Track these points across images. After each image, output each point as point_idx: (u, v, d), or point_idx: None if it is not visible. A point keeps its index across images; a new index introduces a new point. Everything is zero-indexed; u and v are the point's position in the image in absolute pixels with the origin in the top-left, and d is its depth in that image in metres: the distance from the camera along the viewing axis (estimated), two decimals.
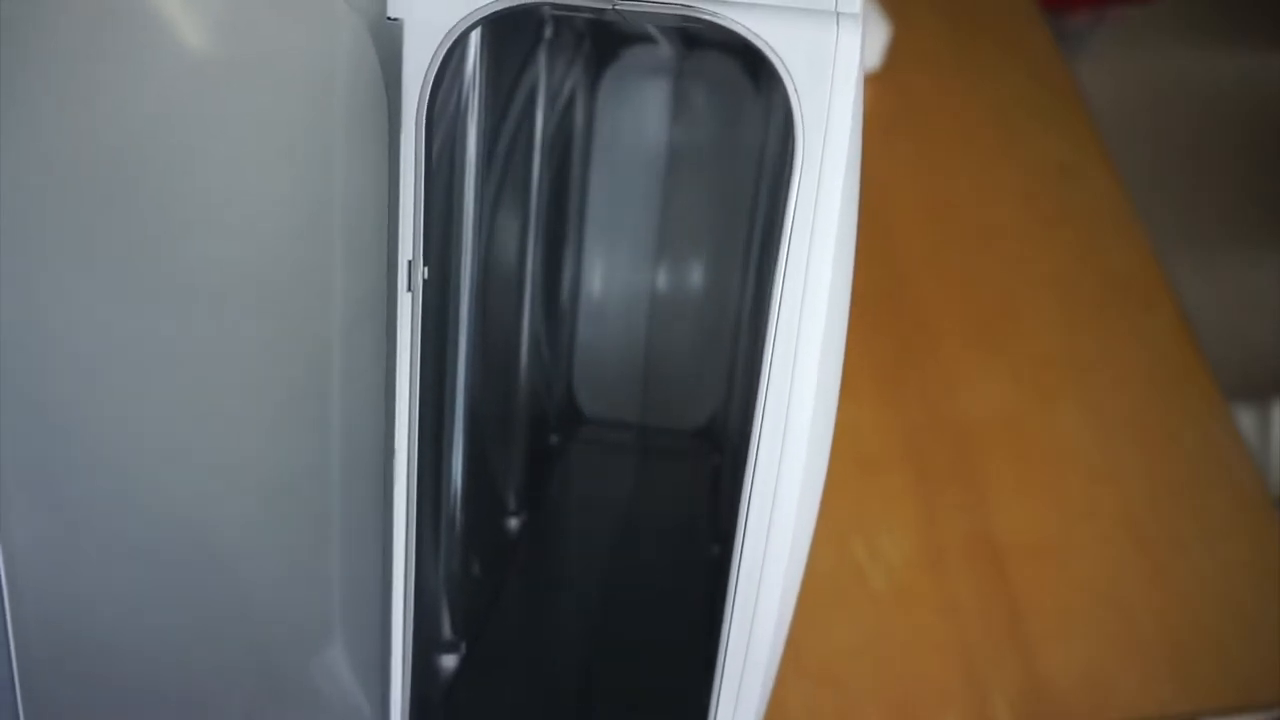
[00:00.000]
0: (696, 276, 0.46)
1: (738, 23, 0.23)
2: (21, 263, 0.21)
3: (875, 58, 0.67)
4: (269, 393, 0.27)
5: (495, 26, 0.31)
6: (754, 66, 0.43)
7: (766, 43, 0.23)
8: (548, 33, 0.38)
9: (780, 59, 0.23)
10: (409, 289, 0.26)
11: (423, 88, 0.25)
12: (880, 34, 0.67)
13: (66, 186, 0.21)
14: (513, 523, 0.41)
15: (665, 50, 0.44)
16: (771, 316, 0.25)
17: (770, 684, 0.28)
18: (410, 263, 0.26)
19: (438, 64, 0.25)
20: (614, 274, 0.47)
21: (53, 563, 0.23)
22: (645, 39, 0.43)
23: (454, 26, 0.24)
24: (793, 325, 0.25)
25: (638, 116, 0.45)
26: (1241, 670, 0.48)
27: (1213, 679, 0.48)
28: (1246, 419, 0.95)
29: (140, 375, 0.24)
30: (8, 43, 0.20)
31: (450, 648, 0.34)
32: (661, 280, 0.47)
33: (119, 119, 0.22)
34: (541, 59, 0.38)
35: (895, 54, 0.68)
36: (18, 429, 0.21)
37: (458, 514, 0.34)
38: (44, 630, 0.23)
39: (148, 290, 0.23)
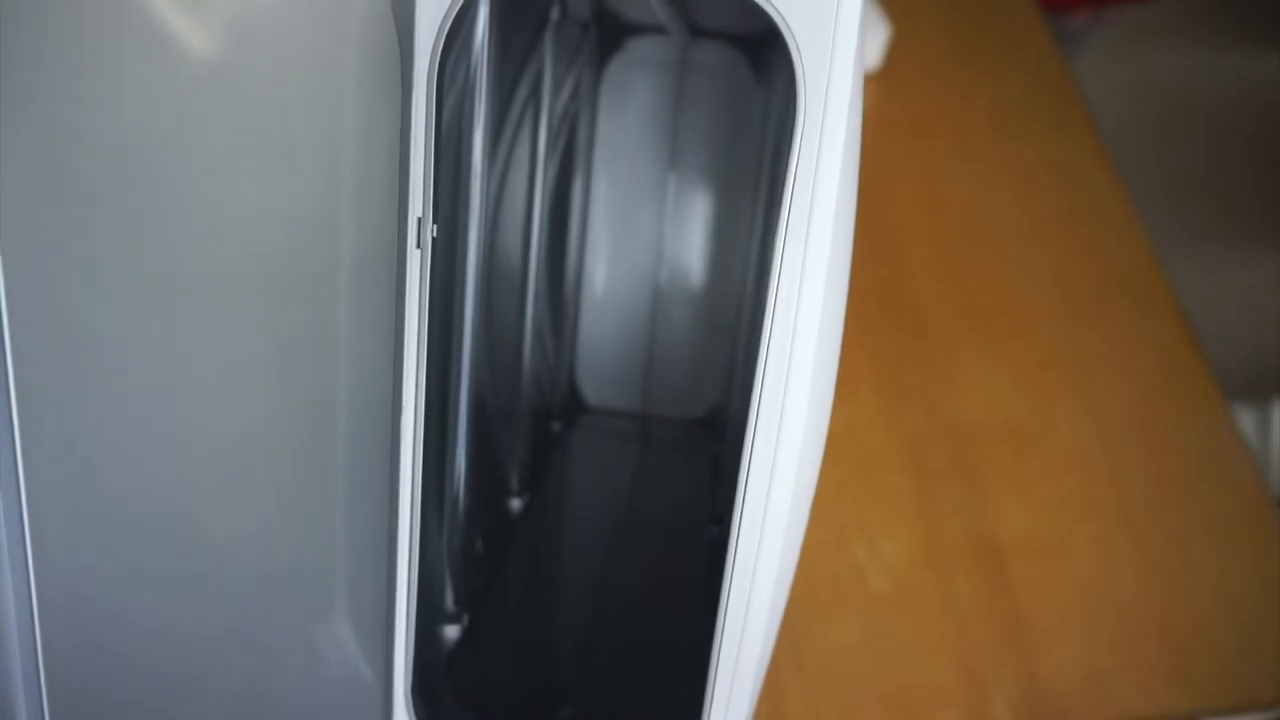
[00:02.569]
0: (700, 267, 0.47)
1: None
2: (34, 249, 0.21)
3: (875, 58, 0.67)
4: (276, 358, 0.27)
5: (503, 3, 0.31)
6: (757, 56, 0.44)
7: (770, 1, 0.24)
8: (554, 15, 0.38)
9: (781, 15, 0.24)
10: (418, 246, 0.26)
11: (436, 41, 0.25)
12: (880, 34, 0.67)
13: (70, 160, 0.21)
14: (514, 503, 0.41)
15: (670, 41, 0.44)
16: (772, 279, 0.25)
17: (764, 666, 0.29)
18: (420, 220, 0.26)
19: (451, 19, 0.25)
20: (618, 263, 0.47)
21: (69, 532, 0.23)
22: (650, 29, 0.43)
23: None
24: (794, 286, 0.25)
25: (642, 107, 0.45)
26: (1241, 670, 0.49)
27: (1212, 679, 0.48)
28: (1246, 419, 0.95)
29: (147, 339, 0.24)
30: (10, 39, 0.20)
31: (453, 619, 0.34)
32: (665, 270, 0.47)
33: (135, 85, 0.22)
34: (548, 43, 0.38)
35: (895, 54, 0.68)
36: (37, 414, 0.22)
37: (461, 490, 0.35)
38: (60, 602, 0.23)
39: (155, 258, 0.23)
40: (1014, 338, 0.59)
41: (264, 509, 0.28)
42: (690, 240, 0.46)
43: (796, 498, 0.26)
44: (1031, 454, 0.55)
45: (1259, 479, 0.55)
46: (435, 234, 0.26)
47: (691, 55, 0.44)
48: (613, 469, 0.46)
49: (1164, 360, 0.59)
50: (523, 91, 0.37)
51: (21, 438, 0.21)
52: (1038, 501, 0.53)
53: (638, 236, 0.46)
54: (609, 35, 0.44)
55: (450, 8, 0.25)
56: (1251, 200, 1.25)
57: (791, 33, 0.24)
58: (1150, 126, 1.22)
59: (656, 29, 0.44)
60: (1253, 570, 0.52)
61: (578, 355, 0.47)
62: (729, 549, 0.27)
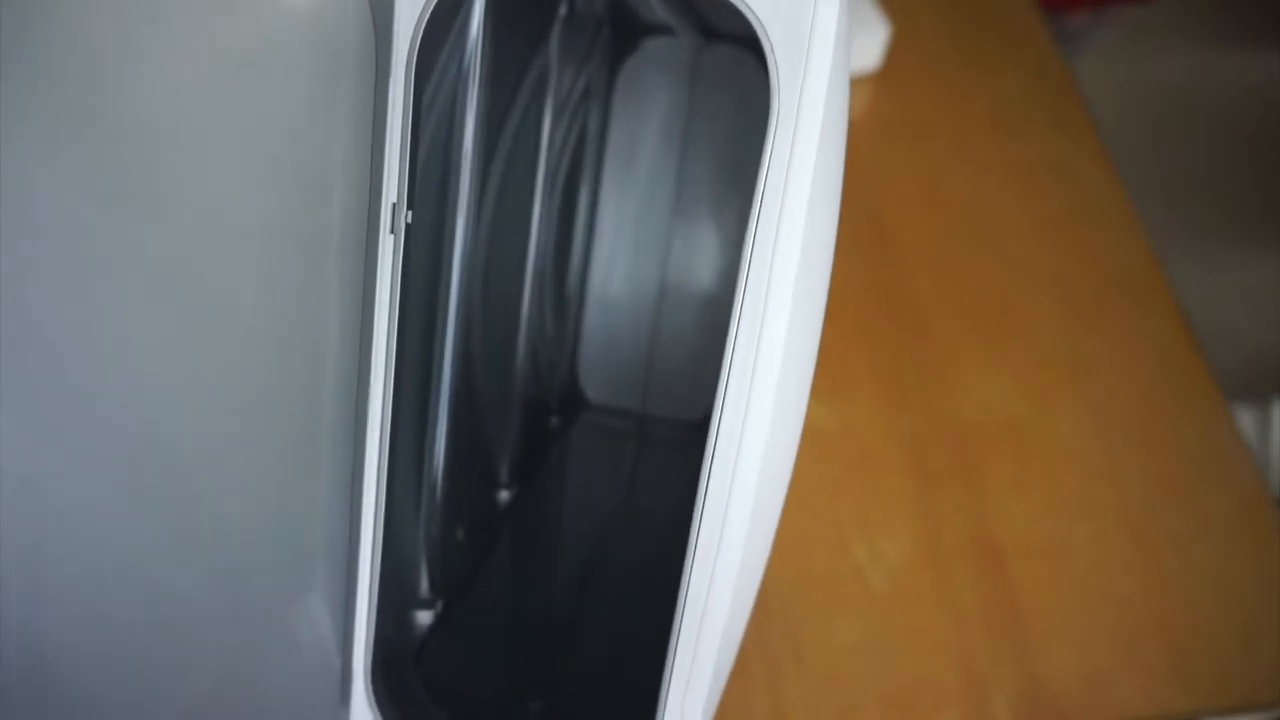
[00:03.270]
0: (707, 269, 0.47)
1: None
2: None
3: (875, 58, 0.67)
4: (255, 340, 0.27)
5: None
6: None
7: (746, 4, 0.24)
8: (562, 11, 0.38)
9: (757, 17, 0.24)
10: (391, 231, 0.26)
11: (415, 30, 0.25)
12: (880, 34, 0.67)
13: (43, 142, 0.21)
14: (503, 495, 0.41)
15: (682, 43, 0.44)
16: (739, 285, 0.25)
17: (727, 663, 0.28)
18: (395, 205, 0.26)
19: (432, 6, 0.25)
20: (624, 261, 0.47)
21: (42, 515, 0.23)
22: (663, 30, 0.43)
23: None
24: (760, 294, 0.25)
25: (654, 107, 0.45)
26: (1241, 670, 0.49)
27: (1212, 679, 0.48)
28: (1246, 419, 0.95)
29: (135, 324, 0.24)
30: (6, 34, 0.20)
31: (426, 605, 0.34)
32: (671, 270, 0.47)
33: (106, 82, 0.22)
34: (554, 40, 0.38)
35: (895, 54, 0.68)
36: (16, 392, 0.22)
37: (440, 478, 0.35)
38: (32, 586, 0.23)
39: (138, 234, 0.23)
40: (1014, 338, 0.59)
41: (243, 493, 0.28)
42: (698, 242, 0.46)
43: (760, 494, 0.26)
44: (1031, 454, 0.55)
45: (1259, 479, 0.55)
46: (410, 220, 0.26)
47: (704, 57, 0.44)
48: (608, 467, 0.46)
49: (1164, 360, 0.59)
50: (527, 86, 0.37)
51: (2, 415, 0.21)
52: (1038, 501, 0.53)
53: (645, 236, 0.46)
54: (622, 35, 0.44)
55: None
56: (1251, 200, 1.25)
57: (767, 35, 0.24)
58: (1150, 126, 1.22)
59: (669, 30, 0.44)
60: (1253, 570, 0.52)
61: (579, 351, 0.47)
62: (689, 541, 0.26)
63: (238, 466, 0.27)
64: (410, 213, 0.26)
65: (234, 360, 0.26)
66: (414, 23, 0.25)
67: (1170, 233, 0.70)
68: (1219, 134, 1.29)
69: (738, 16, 0.24)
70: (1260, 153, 1.26)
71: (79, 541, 0.24)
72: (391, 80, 0.26)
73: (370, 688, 0.29)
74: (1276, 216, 1.23)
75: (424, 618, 0.34)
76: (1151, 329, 0.60)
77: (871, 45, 0.66)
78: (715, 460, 0.26)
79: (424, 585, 0.34)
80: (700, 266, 0.47)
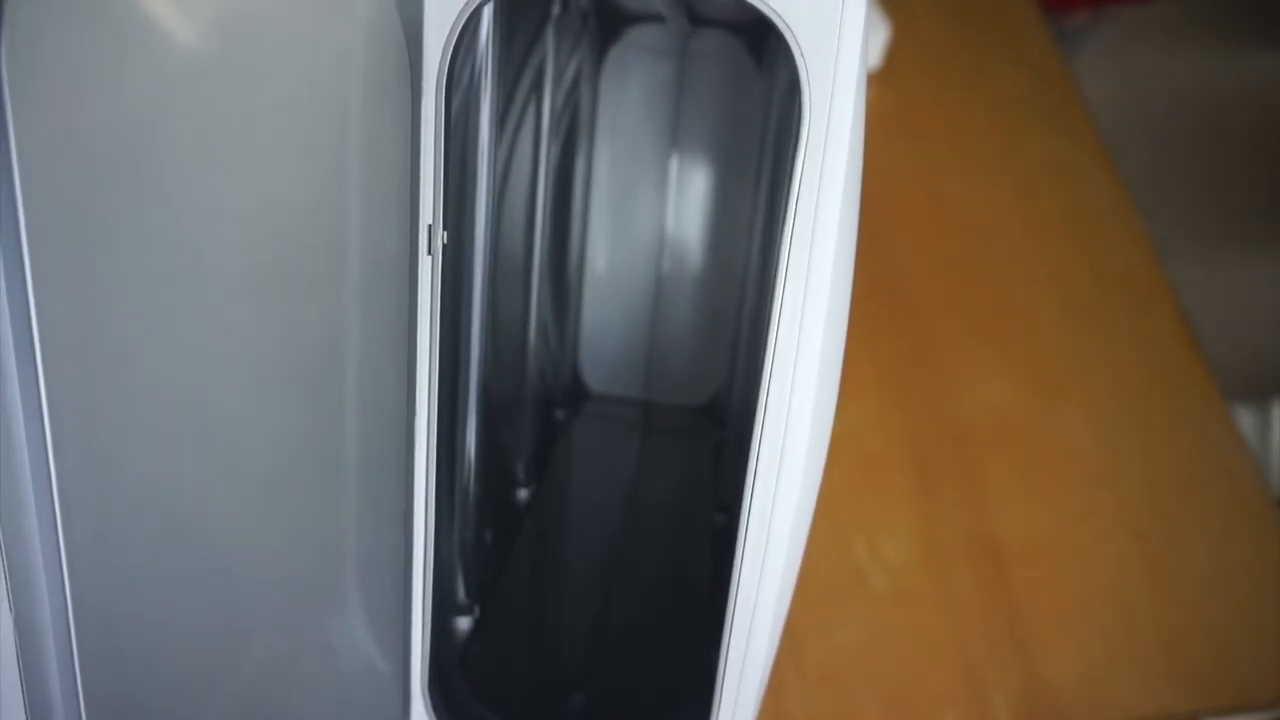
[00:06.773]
0: (702, 254, 0.47)
1: None
2: (59, 257, 0.21)
3: (875, 58, 0.67)
4: (288, 360, 0.27)
5: (509, 1, 0.31)
6: (758, 44, 0.44)
7: (773, 9, 0.24)
8: (555, 10, 0.38)
9: (787, 24, 0.24)
10: (429, 252, 0.27)
11: (444, 52, 0.25)
12: (880, 34, 0.67)
13: (92, 165, 0.22)
14: (521, 494, 0.42)
15: (670, 29, 0.44)
16: (778, 281, 0.25)
17: (773, 653, 0.29)
18: (430, 226, 0.27)
19: (459, 28, 0.25)
20: (620, 251, 0.47)
21: (97, 536, 0.23)
22: (650, 18, 0.44)
23: None
24: (799, 288, 0.25)
25: (643, 95, 0.45)
26: (1241, 670, 0.49)
27: (1212, 679, 0.48)
28: (1246, 419, 0.95)
29: (165, 346, 0.24)
30: (19, 37, 0.20)
31: (464, 610, 0.35)
32: (667, 257, 0.47)
33: (145, 89, 0.22)
34: (549, 37, 0.39)
35: (895, 54, 0.68)
36: (64, 421, 0.22)
37: (471, 484, 0.35)
38: (91, 603, 0.23)
39: (172, 262, 0.24)
40: (1014, 338, 0.59)
41: (280, 509, 0.28)
42: (692, 227, 0.47)
43: (804, 491, 0.27)
44: (1031, 454, 0.55)
45: (1259, 479, 0.55)
46: (446, 240, 0.27)
47: (692, 43, 0.45)
48: (616, 458, 0.46)
49: (1164, 360, 0.59)
50: (525, 86, 0.37)
51: (54, 447, 0.22)
52: (1038, 501, 0.53)
53: (640, 224, 0.47)
54: (609, 24, 0.44)
55: (457, 19, 0.25)
56: (1251, 200, 1.25)
57: (797, 41, 0.24)
58: (1150, 126, 1.22)
59: (656, 18, 0.44)
60: (1253, 570, 0.52)
61: (581, 343, 0.48)
62: (738, 537, 0.27)
63: (268, 489, 0.28)
64: (445, 232, 0.27)
65: (260, 388, 0.27)
66: (442, 44, 0.25)
67: (1170, 233, 0.70)
68: (1219, 134, 1.29)
69: (760, 16, 0.24)
70: (1260, 153, 1.26)
71: (122, 564, 0.25)
72: (424, 102, 0.26)
73: (428, 698, 0.30)
74: (1276, 217, 1.23)
75: (464, 623, 0.34)
76: (1151, 329, 0.60)
77: (872, 44, 0.66)
78: (760, 468, 0.26)
79: (461, 591, 0.34)
80: (697, 249, 0.47)
